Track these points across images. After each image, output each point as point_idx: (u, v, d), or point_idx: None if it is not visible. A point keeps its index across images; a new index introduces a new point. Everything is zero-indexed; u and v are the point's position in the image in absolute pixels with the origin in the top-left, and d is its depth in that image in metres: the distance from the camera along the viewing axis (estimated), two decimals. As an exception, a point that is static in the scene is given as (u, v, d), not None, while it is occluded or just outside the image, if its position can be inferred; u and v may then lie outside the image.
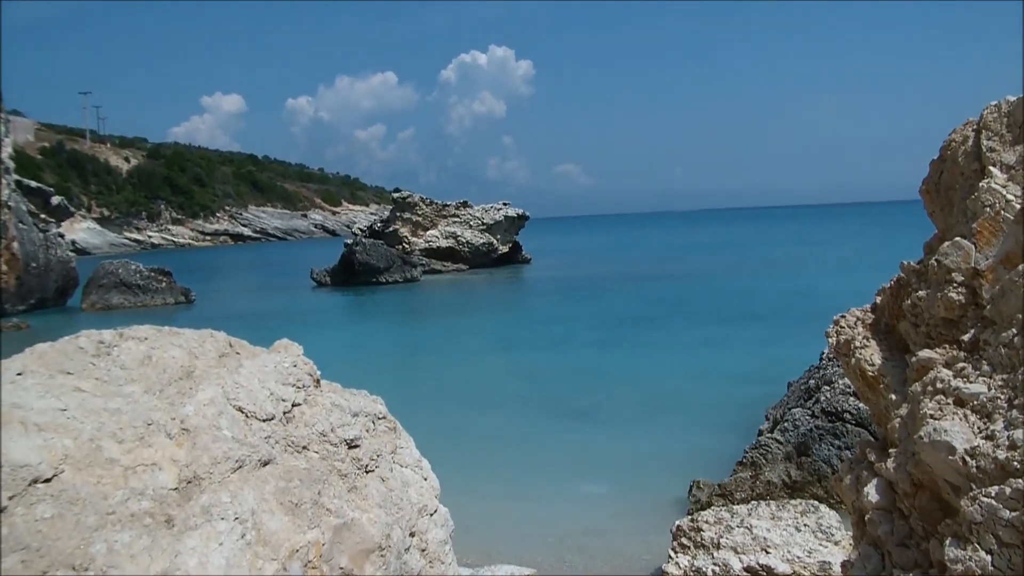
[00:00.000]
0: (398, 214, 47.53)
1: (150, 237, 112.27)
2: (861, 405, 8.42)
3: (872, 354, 3.03)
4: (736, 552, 5.55)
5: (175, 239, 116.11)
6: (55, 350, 2.68)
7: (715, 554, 5.61)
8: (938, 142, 3.02)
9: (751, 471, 8.90)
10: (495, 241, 48.86)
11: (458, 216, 48.51)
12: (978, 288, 2.53)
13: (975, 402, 2.30)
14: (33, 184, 39.78)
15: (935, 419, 2.35)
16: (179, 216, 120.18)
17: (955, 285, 2.59)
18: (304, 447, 2.96)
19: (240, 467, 2.58)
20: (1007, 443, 2.12)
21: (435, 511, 3.62)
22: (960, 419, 2.30)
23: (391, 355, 21.84)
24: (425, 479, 3.66)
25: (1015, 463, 2.08)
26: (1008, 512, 2.03)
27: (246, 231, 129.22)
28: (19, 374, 2.48)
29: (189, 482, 2.41)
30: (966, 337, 2.52)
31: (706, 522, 5.83)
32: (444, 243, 47.49)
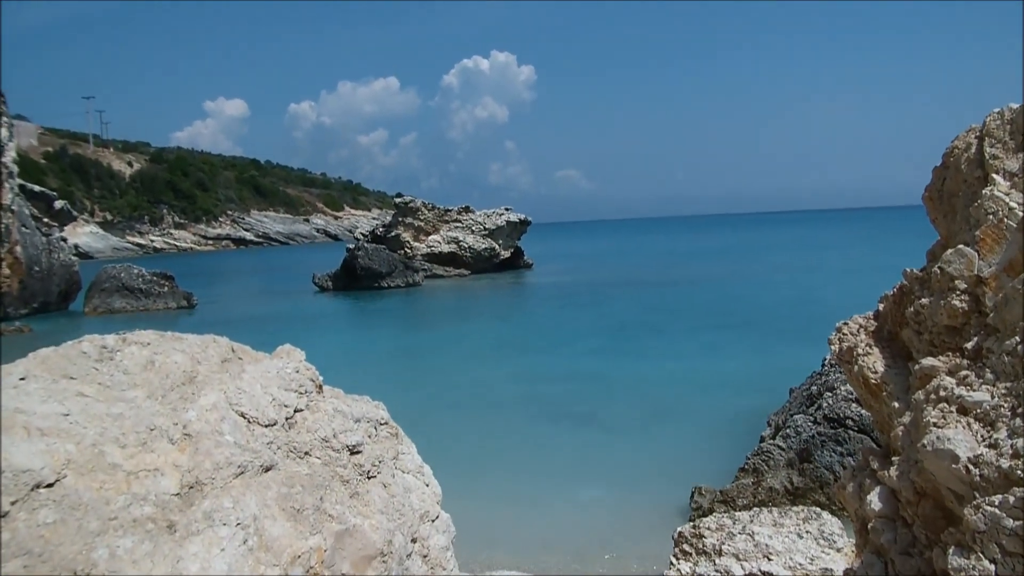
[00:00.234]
0: (400, 219, 47.56)
1: (153, 241, 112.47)
2: (863, 411, 8.41)
3: (875, 361, 3.02)
4: (738, 559, 5.54)
5: (178, 243, 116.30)
6: (58, 355, 2.69)
7: (717, 561, 5.60)
8: (942, 147, 3.03)
9: (753, 477, 8.89)
10: (497, 246, 48.86)
11: (460, 221, 48.53)
12: (981, 296, 2.53)
13: (978, 410, 2.29)
14: (36, 188, 39.87)
15: (938, 427, 2.34)
16: (182, 220, 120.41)
17: (958, 293, 2.59)
18: (306, 453, 2.96)
19: (242, 473, 2.58)
20: (1011, 452, 2.12)
21: (437, 517, 3.62)
22: (963, 427, 2.29)
23: (393, 360, 21.83)
24: (427, 485, 3.66)
25: (1019, 472, 2.07)
26: (1012, 521, 2.03)
27: (248, 236, 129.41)
28: (22, 379, 2.49)
29: (191, 487, 2.41)
30: (969, 345, 2.52)
31: (708, 528, 5.82)
32: (446, 248, 47.50)
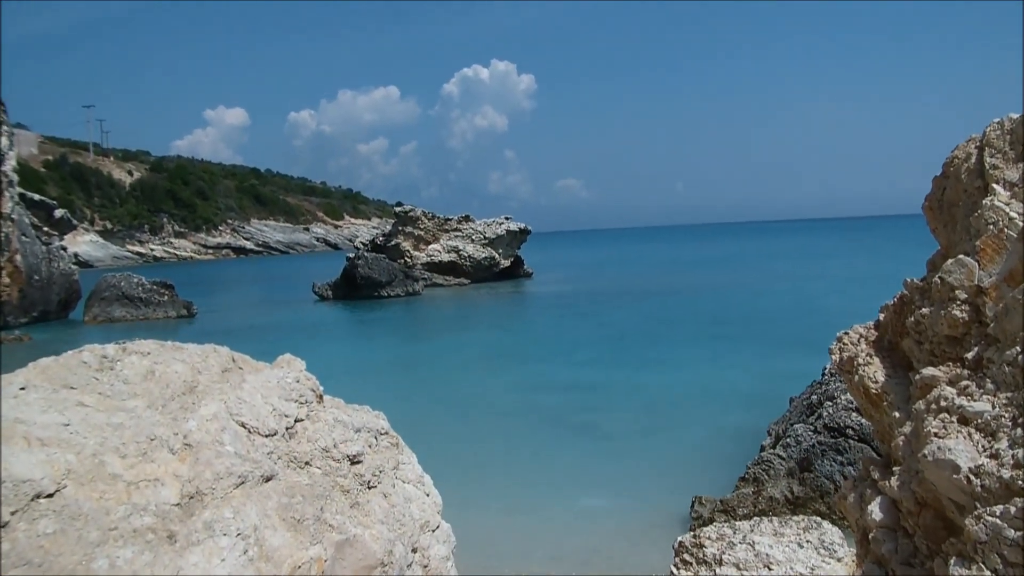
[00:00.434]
0: (400, 228, 47.59)
1: (152, 250, 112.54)
2: (863, 421, 8.40)
3: (875, 371, 3.02)
4: (738, 568, 5.52)
5: (177, 252, 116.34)
6: (58, 364, 2.68)
7: (717, 570, 5.58)
8: (943, 156, 3.03)
9: (753, 487, 8.88)
10: (497, 255, 48.89)
11: (460, 230, 48.57)
12: (982, 306, 2.53)
13: (979, 420, 2.29)
14: (36, 197, 39.91)
15: (939, 437, 2.34)
16: (181, 229, 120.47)
17: (959, 303, 2.59)
18: (307, 463, 2.95)
19: (243, 483, 2.58)
20: (1012, 462, 2.11)
21: (437, 527, 3.61)
22: (964, 437, 2.29)
23: (393, 370, 21.81)
24: (427, 495, 3.65)
25: (1020, 482, 2.07)
26: (1013, 532, 2.03)
27: (248, 244, 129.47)
28: (22, 388, 2.48)
29: (191, 498, 2.40)
30: (970, 355, 2.52)
31: (708, 538, 5.81)
32: (446, 257, 47.52)
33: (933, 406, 2.47)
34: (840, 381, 9.06)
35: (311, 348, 21.79)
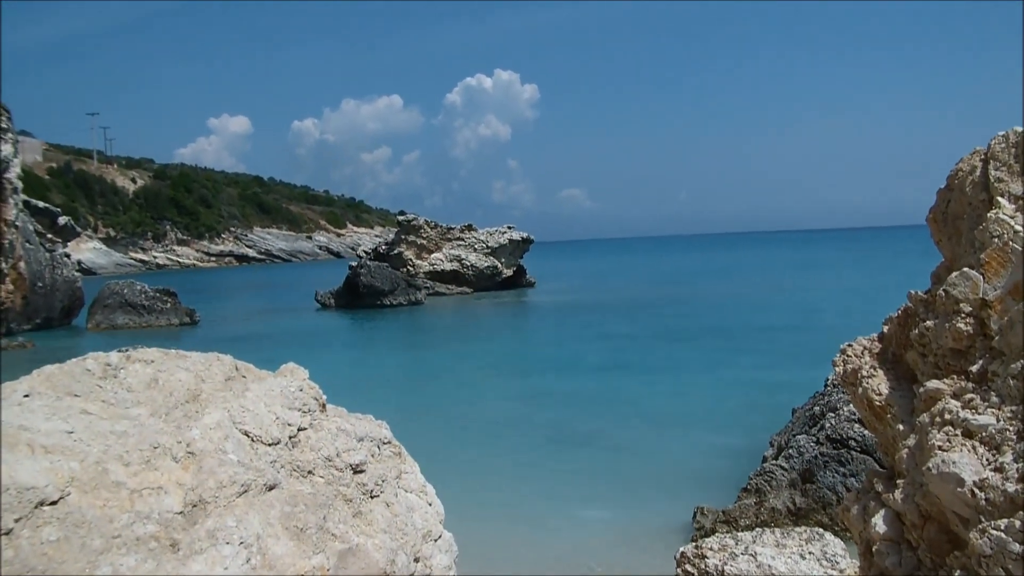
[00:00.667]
0: (403, 237, 47.66)
1: (155, 258, 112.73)
2: (866, 432, 8.38)
3: (879, 384, 3.02)
4: (741, 580, 5.50)
5: (180, 260, 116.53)
6: (62, 372, 2.69)
7: (720, 582, 5.56)
8: (946, 168, 3.03)
9: (755, 498, 8.86)
10: (499, 264, 48.91)
11: (463, 239, 48.61)
12: (986, 319, 2.53)
13: (984, 434, 2.29)
14: (40, 204, 40.04)
15: (943, 450, 2.34)
16: (184, 237, 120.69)
17: (963, 316, 2.59)
18: (309, 472, 2.95)
19: (246, 491, 2.58)
20: (1016, 475, 2.11)
21: (440, 536, 3.60)
22: (968, 451, 2.29)
23: (395, 379, 21.81)
24: (430, 504, 3.65)
25: (1024, 495, 2.07)
26: (1018, 545, 2.02)
27: (251, 252, 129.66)
28: (26, 396, 2.49)
29: (195, 506, 2.40)
30: (974, 368, 2.51)
31: (710, 549, 5.79)
32: (448, 266, 47.56)
33: (937, 419, 2.47)
34: (843, 392, 9.04)
35: (314, 357, 21.76)
